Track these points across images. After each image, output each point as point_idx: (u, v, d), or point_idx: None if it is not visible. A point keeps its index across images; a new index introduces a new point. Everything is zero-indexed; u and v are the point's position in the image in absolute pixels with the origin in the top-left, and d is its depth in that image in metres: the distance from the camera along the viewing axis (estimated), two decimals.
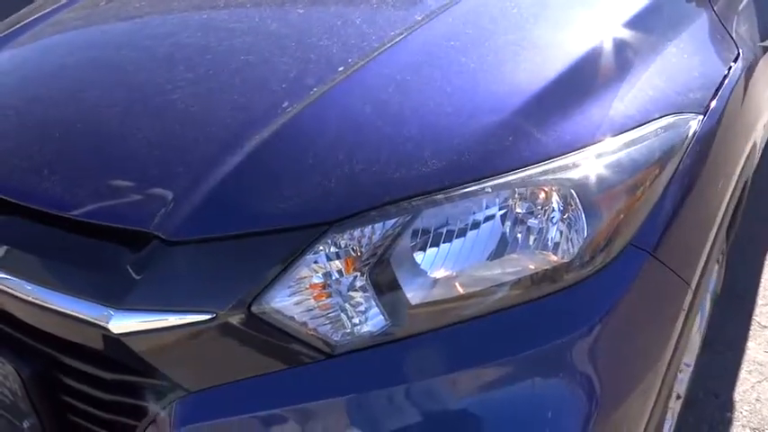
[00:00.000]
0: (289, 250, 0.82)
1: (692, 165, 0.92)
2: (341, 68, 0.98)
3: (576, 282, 0.84)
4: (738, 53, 1.16)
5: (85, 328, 0.87)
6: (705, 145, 0.95)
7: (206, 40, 1.11)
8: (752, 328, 1.98)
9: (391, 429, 0.81)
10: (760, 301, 2.08)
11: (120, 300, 0.84)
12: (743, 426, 1.66)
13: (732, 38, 1.19)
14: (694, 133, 0.94)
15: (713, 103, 1.00)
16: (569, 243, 0.84)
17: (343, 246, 0.83)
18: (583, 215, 0.84)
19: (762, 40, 1.29)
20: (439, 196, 0.83)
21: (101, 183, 0.90)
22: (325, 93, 0.94)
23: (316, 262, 0.83)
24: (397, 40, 1.03)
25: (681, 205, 0.90)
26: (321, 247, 0.83)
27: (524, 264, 0.84)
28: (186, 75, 1.04)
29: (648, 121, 0.92)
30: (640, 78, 0.99)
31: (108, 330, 0.85)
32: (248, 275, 0.83)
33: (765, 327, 1.98)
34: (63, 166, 0.94)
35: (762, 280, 2.18)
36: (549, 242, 0.84)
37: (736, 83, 1.08)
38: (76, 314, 0.87)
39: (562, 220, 0.84)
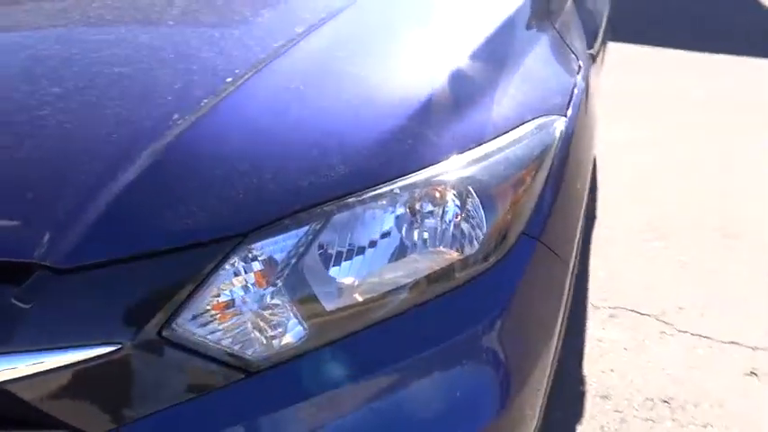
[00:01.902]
0: (199, 267, 0.79)
1: (562, 159, 1.03)
2: (229, 79, 0.96)
3: (480, 273, 0.90)
4: (580, 64, 1.32)
5: None
6: (569, 142, 1.07)
7: (69, 52, 1.02)
8: (588, 309, 2.23)
9: None
10: (590, 284, 2.35)
11: (2, 342, 0.75)
12: (593, 396, 1.85)
13: (572, 51, 1.35)
14: (561, 132, 1.05)
15: (570, 107, 1.13)
16: (471, 238, 0.90)
17: (257, 258, 0.81)
18: (481, 210, 0.90)
19: (589, 48, 1.48)
20: (351, 200, 0.84)
21: None
22: (217, 104, 0.91)
23: (230, 277, 0.80)
24: (281, 51, 1.03)
25: (557, 195, 1.01)
26: (233, 261, 0.80)
27: (430, 262, 0.88)
28: (51, 89, 0.95)
29: (523, 123, 1.02)
30: (510, 86, 1.08)
31: None
32: (156, 298, 0.77)
33: (598, 307, 2.24)
34: None
35: (590, 265, 2.46)
36: (453, 238, 0.89)
37: (583, 89, 1.23)
38: None
39: (463, 217, 0.90)
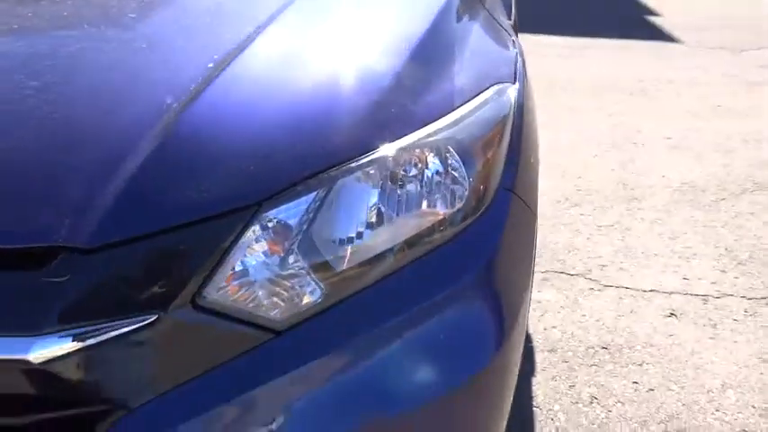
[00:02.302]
0: (221, 237, 0.82)
1: (521, 119, 1.15)
2: (211, 65, 0.99)
3: (468, 225, 0.98)
4: (513, 39, 1.45)
5: None
6: (522, 109, 1.19)
7: (34, 48, 1.01)
8: None
9: (349, 387, 0.87)
10: None
11: (38, 325, 0.75)
12: (541, 351, 2.00)
13: (502, 27, 1.48)
14: (515, 97, 1.16)
15: (516, 76, 1.25)
16: (456, 194, 0.98)
17: (272, 224, 0.86)
18: (463, 167, 0.99)
19: (509, 19, 1.61)
20: (352, 165, 0.91)
21: None
22: (207, 87, 0.94)
23: (250, 243, 0.85)
24: (253, 37, 1.07)
25: (521, 155, 1.11)
26: (252, 229, 0.84)
27: (420, 221, 0.96)
28: (29, 83, 0.94)
29: (483, 90, 1.12)
30: (464, 61, 1.18)
31: (28, 363, 0.75)
32: (184, 269, 0.81)
33: None
34: None
35: None
36: (440, 196, 0.98)
37: (522, 62, 1.35)
38: None
39: (448, 175, 0.98)
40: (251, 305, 0.84)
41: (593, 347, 2.03)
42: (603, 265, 2.46)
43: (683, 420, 1.76)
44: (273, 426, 0.84)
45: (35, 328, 0.75)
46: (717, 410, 1.79)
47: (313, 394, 0.86)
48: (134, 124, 0.88)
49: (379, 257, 0.93)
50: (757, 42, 5.97)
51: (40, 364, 0.75)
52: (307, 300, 0.88)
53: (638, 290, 2.32)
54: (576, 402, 1.82)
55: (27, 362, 0.75)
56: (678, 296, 2.29)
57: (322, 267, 0.89)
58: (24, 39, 1.06)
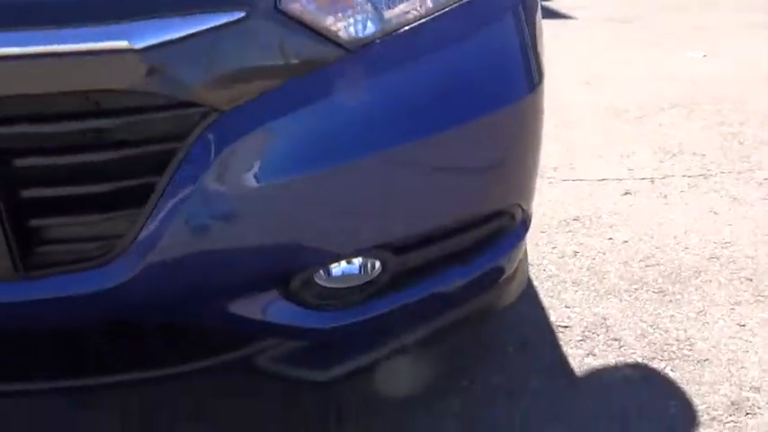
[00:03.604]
0: None
1: None
2: None
3: None
4: None
5: (91, 64, 0.76)
6: None
7: None
8: None
9: (417, 99, 0.95)
10: None
11: (137, 11, 0.77)
12: None
13: None
14: None
15: None
16: None
17: None
18: None
19: None
20: None
21: None
22: None
23: None
24: None
25: None
26: None
27: None
28: None
29: None
30: None
31: (131, 50, 0.76)
32: None
33: None
34: None
35: None
36: None
37: None
38: (86, 48, 0.75)
39: None
40: (325, 24, 0.89)
41: (565, 220, 2.16)
42: (555, 167, 2.63)
43: (658, 258, 1.91)
44: (349, 128, 0.90)
45: (134, 14, 0.76)
46: (686, 248, 1.96)
47: (382, 104, 0.92)
48: None
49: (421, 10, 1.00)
50: (638, 15, 6.54)
51: (142, 49, 0.76)
52: (367, 30, 0.93)
53: (591, 179, 2.49)
54: (562, 257, 1.93)
55: (130, 49, 0.76)
56: (628, 181, 2.48)
57: (375, 10, 0.95)
58: None
